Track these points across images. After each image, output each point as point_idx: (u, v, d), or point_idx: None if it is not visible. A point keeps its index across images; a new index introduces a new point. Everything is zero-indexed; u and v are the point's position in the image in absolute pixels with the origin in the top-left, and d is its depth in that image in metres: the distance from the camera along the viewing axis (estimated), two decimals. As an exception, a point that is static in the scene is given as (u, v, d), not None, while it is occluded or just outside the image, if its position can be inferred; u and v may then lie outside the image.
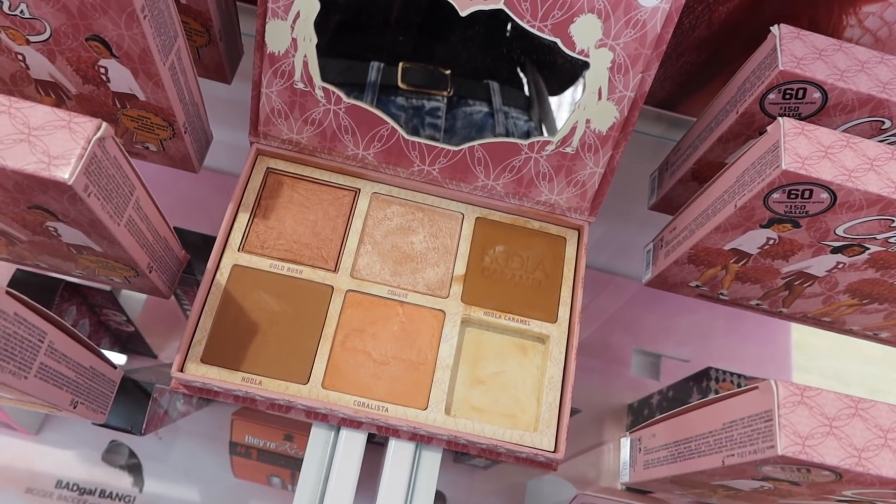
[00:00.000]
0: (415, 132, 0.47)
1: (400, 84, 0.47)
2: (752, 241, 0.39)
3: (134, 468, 0.59)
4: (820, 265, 0.40)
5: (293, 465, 0.55)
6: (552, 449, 0.40)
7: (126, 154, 0.31)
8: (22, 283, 0.49)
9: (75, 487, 0.58)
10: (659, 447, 0.38)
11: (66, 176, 0.27)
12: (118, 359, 0.59)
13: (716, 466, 0.32)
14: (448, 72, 0.48)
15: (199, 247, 0.49)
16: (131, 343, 0.63)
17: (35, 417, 0.58)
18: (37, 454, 0.59)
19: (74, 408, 0.34)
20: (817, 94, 0.37)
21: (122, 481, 0.59)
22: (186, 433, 0.61)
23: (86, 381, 0.35)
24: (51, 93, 0.39)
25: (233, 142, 0.49)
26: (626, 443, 0.43)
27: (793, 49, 0.37)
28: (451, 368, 0.41)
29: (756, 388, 0.30)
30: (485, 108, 0.49)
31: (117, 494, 0.58)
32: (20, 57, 0.36)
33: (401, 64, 0.48)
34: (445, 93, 0.48)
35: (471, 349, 0.43)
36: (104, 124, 0.28)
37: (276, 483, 0.60)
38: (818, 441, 0.28)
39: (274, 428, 0.51)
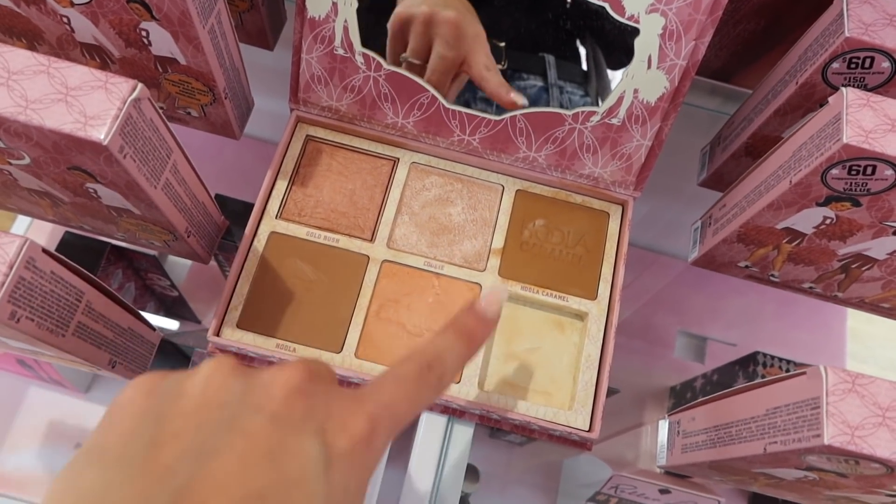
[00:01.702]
0: (465, 106, 0.46)
1: None
2: (807, 220, 0.37)
3: (176, 429, 0.61)
4: (881, 247, 0.37)
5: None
6: (587, 428, 0.39)
7: (163, 117, 0.31)
8: (70, 245, 0.50)
9: (121, 445, 0.59)
10: (698, 431, 0.37)
11: (102, 136, 0.27)
12: (170, 324, 0.60)
13: (757, 454, 0.30)
14: (503, 44, 0.47)
15: (240, 213, 0.49)
16: (176, 307, 0.64)
17: (84, 377, 0.60)
18: (86, 412, 0.61)
19: (113, 367, 0.35)
20: (886, 64, 0.35)
21: (165, 441, 0.60)
22: (227, 397, 0.62)
23: (124, 342, 0.35)
24: (95, 56, 0.39)
25: (277, 110, 0.49)
26: (664, 425, 0.41)
27: (861, 14, 0.34)
28: (485, 342, 0.41)
29: (803, 373, 0.28)
30: (539, 83, 0.47)
31: (161, 453, 0.60)
32: (65, 20, 0.36)
33: None
34: (499, 66, 0.47)
35: (507, 324, 0.42)
36: (140, 85, 0.28)
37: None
38: (869, 432, 0.26)
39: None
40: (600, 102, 0.45)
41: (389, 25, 0.42)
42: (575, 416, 0.40)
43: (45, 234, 0.58)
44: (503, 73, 0.47)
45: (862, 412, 0.26)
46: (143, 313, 0.38)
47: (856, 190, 0.33)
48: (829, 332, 0.76)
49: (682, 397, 0.69)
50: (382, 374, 0.26)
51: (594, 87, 0.47)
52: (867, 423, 0.26)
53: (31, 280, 0.26)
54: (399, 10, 0.41)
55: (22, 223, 0.60)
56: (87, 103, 0.27)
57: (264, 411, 0.22)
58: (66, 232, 0.51)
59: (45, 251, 0.27)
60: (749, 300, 0.75)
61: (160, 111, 0.31)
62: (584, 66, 0.48)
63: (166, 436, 0.21)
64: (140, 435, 0.22)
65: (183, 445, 0.21)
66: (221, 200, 0.54)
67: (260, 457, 0.21)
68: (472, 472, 0.58)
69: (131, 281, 0.56)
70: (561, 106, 0.47)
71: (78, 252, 0.50)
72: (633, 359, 0.71)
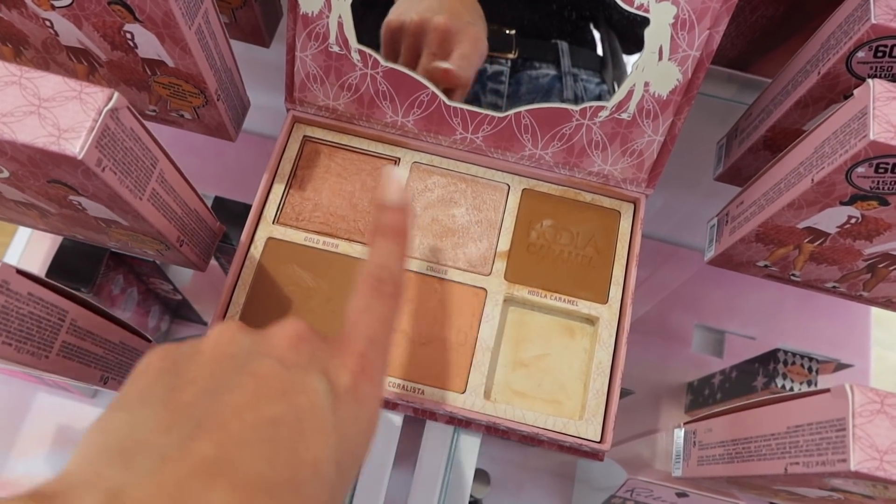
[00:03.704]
0: (475, 99, 0.44)
1: None
2: (831, 219, 0.35)
3: (184, 433, 0.60)
4: (909, 247, 0.35)
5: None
6: (598, 439, 0.38)
7: (145, 125, 0.30)
8: (68, 252, 0.49)
9: (129, 449, 0.59)
10: (715, 444, 0.35)
11: (76, 151, 0.26)
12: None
13: (777, 473, 0.29)
14: (513, 32, 0.45)
15: (240, 215, 0.48)
16: (181, 310, 0.63)
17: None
18: (94, 417, 0.60)
19: (105, 383, 0.34)
20: (916, 52, 0.32)
21: (172, 445, 0.59)
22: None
23: (116, 357, 0.34)
24: (82, 60, 0.38)
25: (279, 106, 0.48)
26: (679, 434, 0.40)
27: (888, -1, 0.32)
28: (491, 350, 0.39)
29: (828, 391, 0.26)
30: (552, 71, 0.45)
31: (168, 457, 0.59)
32: (48, 23, 0.35)
33: None
34: (510, 55, 0.45)
35: (513, 330, 0.40)
36: (116, 94, 0.27)
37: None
38: (899, 456, 0.24)
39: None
40: (617, 88, 0.43)
41: (381, 34, 0.40)
42: (586, 427, 0.38)
43: (48, 240, 0.57)
44: (513, 62, 0.45)
45: (891, 435, 0.24)
46: (147, 319, 0.37)
47: (883, 189, 0.31)
48: (853, 323, 0.73)
49: (699, 393, 0.67)
50: (349, 315, 0.28)
51: (610, 73, 0.45)
52: (897, 447, 0.24)
53: (5, 304, 0.25)
54: (390, 17, 0.39)
55: (24, 231, 0.59)
56: (60, 115, 0.26)
57: (272, 356, 0.25)
58: (65, 238, 0.50)
59: (20, 272, 0.25)
60: (769, 292, 0.72)
61: (141, 120, 0.29)
62: (600, 52, 0.45)
63: (184, 382, 0.24)
64: (160, 385, 0.24)
65: (200, 387, 0.23)
66: (221, 203, 0.52)
67: (272, 392, 0.23)
68: (483, 477, 0.57)
69: (133, 286, 0.55)
70: (575, 95, 0.45)
71: (76, 259, 0.49)
72: (650, 354, 0.69)
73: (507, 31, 0.45)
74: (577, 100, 0.45)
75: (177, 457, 0.21)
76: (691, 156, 0.51)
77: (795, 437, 0.28)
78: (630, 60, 0.41)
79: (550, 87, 0.45)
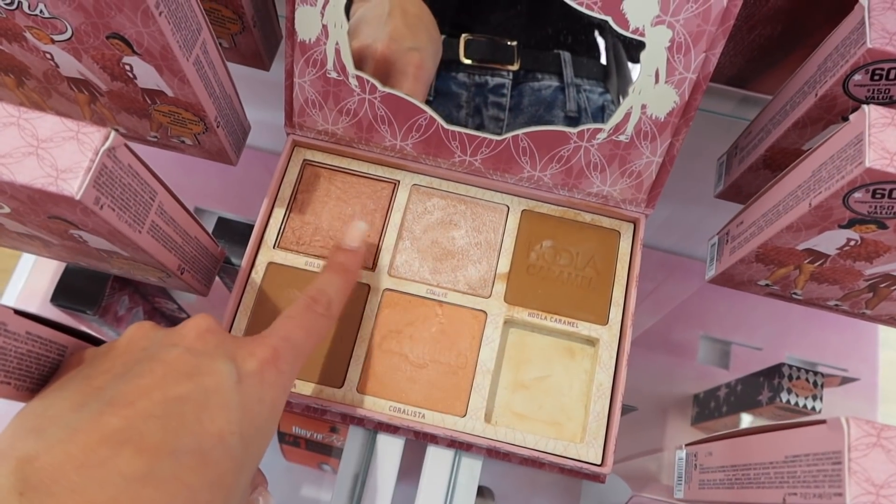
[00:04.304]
0: (477, 112, 0.44)
1: (462, 59, 0.44)
2: (830, 241, 0.35)
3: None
4: (910, 268, 0.35)
5: (341, 455, 0.55)
6: (599, 462, 0.38)
7: (143, 160, 0.30)
8: (73, 274, 0.49)
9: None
10: (715, 468, 0.35)
11: (74, 191, 0.26)
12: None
13: (776, 503, 0.28)
14: (514, 43, 0.45)
15: (245, 235, 0.48)
16: (187, 327, 0.63)
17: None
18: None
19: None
20: (913, 74, 0.32)
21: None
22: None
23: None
24: (83, 90, 0.38)
25: (283, 123, 0.48)
26: (681, 456, 0.39)
27: (884, 22, 0.32)
28: (491, 373, 0.39)
29: (824, 422, 0.26)
30: (555, 83, 0.45)
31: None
32: (48, 56, 0.35)
33: (463, 36, 0.44)
34: (512, 67, 0.45)
35: (514, 352, 0.40)
36: (113, 133, 0.27)
37: (326, 469, 0.60)
38: (895, 490, 0.24)
39: (319, 420, 0.51)
40: (622, 99, 0.43)
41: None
42: (587, 450, 0.38)
43: (53, 262, 0.58)
44: (515, 74, 0.45)
45: (888, 468, 0.24)
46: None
47: (881, 213, 0.31)
48: (861, 329, 0.72)
49: (706, 406, 0.67)
50: (278, 318, 0.31)
51: (615, 82, 0.45)
52: (893, 481, 0.24)
53: (3, 344, 0.25)
54: (351, 44, 0.38)
55: (29, 255, 0.60)
56: (58, 156, 0.26)
57: (180, 346, 0.27)
58: (70, 260, 0.51)
59: (18, 312, 0.26)
60: (774, 302, 0.72)
61: (138, 155, 0.29)
62: (604, 60, 0.45)
63: (98, 372, 0.26)
64: (77, 377, 0.26)
65: (113, 375, 0.26)
66: (224, 223, 0.53)
67: (179, 374, 0.26)
68: (487, 493, 0.57)
69: (139, 305, 0.55)
70: (578, 106, 0.45)
71: (82, 280, 0.49)
72: (656, 366, 0.69)
73: (509, 43, 0.45)
74: (579, 111, 0.45)
75: (87, 428, 0.23)
76: (697, 168, 0.51)
77: (793, 466, 0.28)
78: (635, 68, 0.41)
79: (553, 99, 0.45)
